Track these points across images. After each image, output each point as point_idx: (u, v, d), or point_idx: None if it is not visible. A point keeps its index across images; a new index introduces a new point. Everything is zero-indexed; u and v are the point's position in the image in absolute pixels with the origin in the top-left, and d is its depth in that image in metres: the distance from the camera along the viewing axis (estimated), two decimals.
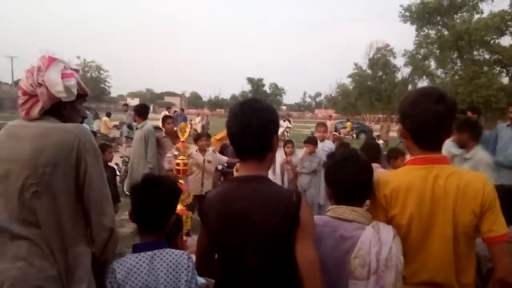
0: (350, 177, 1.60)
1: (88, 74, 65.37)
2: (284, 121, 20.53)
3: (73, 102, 1.64)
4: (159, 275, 1.61)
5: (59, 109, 1.61)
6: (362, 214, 1.58)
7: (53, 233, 1.49)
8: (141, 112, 6.02)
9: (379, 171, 3.50)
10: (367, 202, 1.71)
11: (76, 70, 1.68)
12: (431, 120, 1.52)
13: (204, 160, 5.73)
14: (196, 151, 5.72)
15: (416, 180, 1.56)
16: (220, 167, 6.81)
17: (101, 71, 69.87)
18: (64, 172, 1.50)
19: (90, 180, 1.54)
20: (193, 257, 1.71)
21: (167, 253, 1.66)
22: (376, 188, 1.66)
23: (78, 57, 63.67)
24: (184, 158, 3.41)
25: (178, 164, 3.38)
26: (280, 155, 5.77)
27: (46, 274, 1.46)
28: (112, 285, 1.57)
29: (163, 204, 1.72)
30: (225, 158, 6.27)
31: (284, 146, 5.81)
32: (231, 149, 7.02)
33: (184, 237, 2.80)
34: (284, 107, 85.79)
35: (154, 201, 1.69)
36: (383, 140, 16.27)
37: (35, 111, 1.55)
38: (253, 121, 1.44)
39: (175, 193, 1.82)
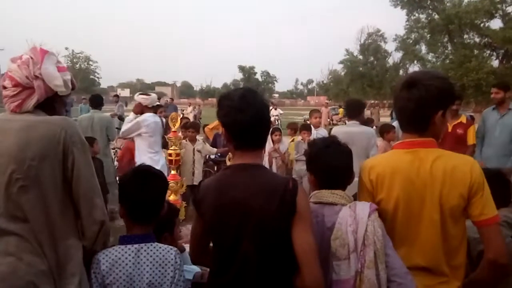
0: (333, 163, 1.63)
1: (77, 66, 64.44)
2: (275, 109, 20.57)
3: (63, 95, 1.63)
4: (144, 269, 1.59)
5: (52, 103, 1.59)
6: (342, 196, 1.60)
7: (42, 228, 1.47)
8: (94, 102, 6.10)
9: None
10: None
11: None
12: (403, 105, 1.57)
13: (194, 149, 5.74)
14: (186, 140, 5.69)
15: (402, 164, 1.57)
16: (212, 156, 6.84)
17: (90, 62, 68.95)
18: (51, 166, 1.48)
19: (78, 173, 1.52)
20: (187, 246, 1.71)
21: (154, 247, 1.64)
22: (363, 173, 1.67)
23: (67, 48, 62.67)
24: (177, 148, 3.40)
25: (170, 155, 3.37)
26: (267, 143, 5.88)
27: (37, 269, 1.44)
28: (96, 275, 1.56)
29: (154, 195, 1.70)
30: (214, 150, 6.33)
31: (271, 134, 5.85)
32: (222, 140, 7.07)
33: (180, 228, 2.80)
34: (277, 95, 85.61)
35: (146, 192, 1.67)
36: (375, 126, 16.34)
37: (30, 104, 1.52)
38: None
39: (165, 184, 1.80)
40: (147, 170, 1.78)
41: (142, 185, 1.68)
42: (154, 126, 4.69)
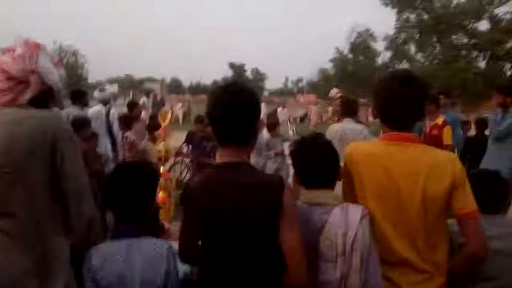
0: (309, 163, 1.62)
1: (64, 60, 63.32)
2: (283, 107, 20.04)
3: (54, 90, 1.61)
4: (135, 264, 1.56)
5: (44, 98, 1.57)
6: (331, 196, 1.60)
7: (29, 224, 1.44)
8: (73, 98, 6.00)
9: None
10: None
11: None
12: (394, 102, 1.58)
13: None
14: (147, 141, 5.84)
15: (384, 153, 1.59)
16: (184, 150, 7.00)
17: (78, 57, 67.81)
18: (39, 161, 1.45)
19: (66, 169, 1.50)
20: (176, 244, 1.69)
21: (146, 242, 1.61)
22: (346, 154, 1.70)
23: (55, 42, 61.56)
24: (166, 144, 3.37)
25: (160, 151, 3.34)
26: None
27: (22, 266, 1.41)
28: (88, 271, 1.54)
29: (138, 194, 1.65)
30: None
31: None
32: (198, 137, 7.20)
33: (167, 225, 2.78)
34: (267, 93, 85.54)
35: (128, 191, 1.62)
36: (364, 124, 16.44)
37: (25, 98, 1.51)
38: (237, 106, 1.40)
39: (151, 182, 1.74)
40: (131, 168, 1.72)
41: (123, 185, 1.63)
42: (95, 115, 5.99)
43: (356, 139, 4.41)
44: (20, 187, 1.45)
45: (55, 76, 1.58)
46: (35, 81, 1.53)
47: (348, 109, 4.85)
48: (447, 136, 4.83)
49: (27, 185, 1.46)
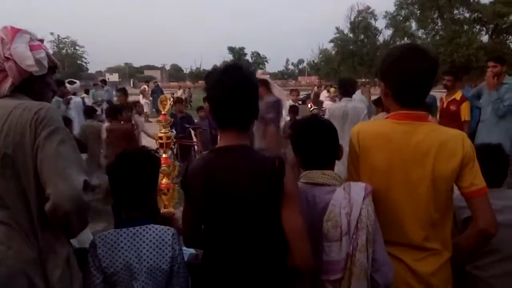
0: (313, 144, 1.60)
1: (63, 51, 63.09)
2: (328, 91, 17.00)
3: (44, 75, 1.53)
4: (141, 251, 1.55)
5: (30, 84, 1.50)
6: (333, 177, 1.57)
7: (22, 216, 1.42)
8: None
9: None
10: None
11: (41, 41, 1.57)
12: (416, 77, 1.51)
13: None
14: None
15: (394, 134, 1.55)
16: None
17: (77, 47, 67.49)
18: (24, 153, 1.40)
19: (41, 156, 1.37)
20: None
21: (150, 229, 1.60)
22: (352, 136, 1.66)
23: (52, 34, 61.15)
24: (167, 131, 3.36)
25: (161, 138, 3.33)
26: None
27: (26, 256, 1.40)
28: (94, 259, 1.54)
29: (144, 181, 1.63)
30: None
31: None
32: (178, 119, 7.19)
33: (173, 210, 2.79)
34: (268, 76, 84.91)
35: (131, 180, 1.59)
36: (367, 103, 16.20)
37: (5, 87, 1.44)
38: (240, 90, 1.37)
39: (153, 169, 1.71)
40: (133, 155, 1.68)
41: (128, 173, 1.60)
42: (72, 105, 7.02)
43: (359, 117, 4.52)
44: (11, 180, 1.40)
45: (30, 60, 1.45)
46: (11, 68, 1.42)
47: (346, 89, 4.90)
48: (466, 112, 4.65)
49: (16, 176, 1.41)
